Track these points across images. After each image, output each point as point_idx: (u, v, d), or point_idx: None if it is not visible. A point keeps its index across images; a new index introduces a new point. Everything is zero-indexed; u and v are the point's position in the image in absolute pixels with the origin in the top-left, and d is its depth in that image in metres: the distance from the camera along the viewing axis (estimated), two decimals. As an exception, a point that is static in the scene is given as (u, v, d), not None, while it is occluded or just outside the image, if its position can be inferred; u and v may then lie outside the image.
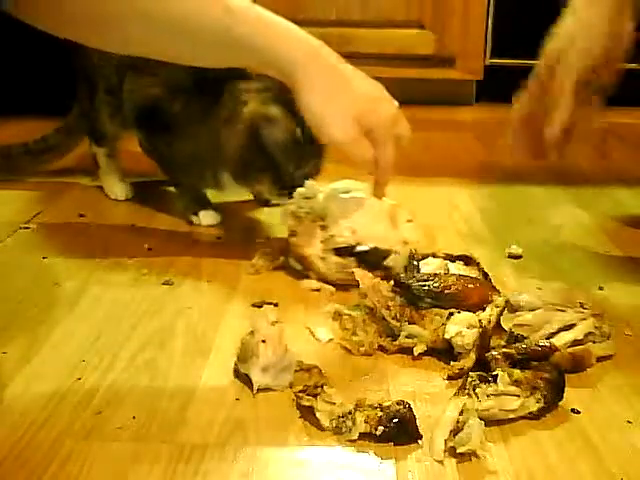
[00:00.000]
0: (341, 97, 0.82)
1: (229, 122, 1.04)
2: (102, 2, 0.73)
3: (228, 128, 1.05)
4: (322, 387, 0.68)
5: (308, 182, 0.99)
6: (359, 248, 0.92)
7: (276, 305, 0.88)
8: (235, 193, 1.14)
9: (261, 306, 0.86)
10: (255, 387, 0.70)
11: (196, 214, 1.16)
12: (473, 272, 0.86)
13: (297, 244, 0.95)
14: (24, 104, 1.65)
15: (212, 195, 1.19)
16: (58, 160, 1.34)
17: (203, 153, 1.09)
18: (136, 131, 1.18)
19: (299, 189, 0.98)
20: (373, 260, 0.92)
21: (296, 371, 0.72)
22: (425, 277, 0.81)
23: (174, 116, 1.10)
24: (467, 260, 0.90)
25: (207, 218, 1.16)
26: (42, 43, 1.17)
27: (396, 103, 0.89)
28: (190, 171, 1.14)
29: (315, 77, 0.81)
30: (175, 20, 0.76)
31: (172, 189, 1.23)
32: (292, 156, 1.02)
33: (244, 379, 0.72)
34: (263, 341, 0.72)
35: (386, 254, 0.92)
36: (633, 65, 2.00)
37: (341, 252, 0.93)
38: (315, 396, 0.67)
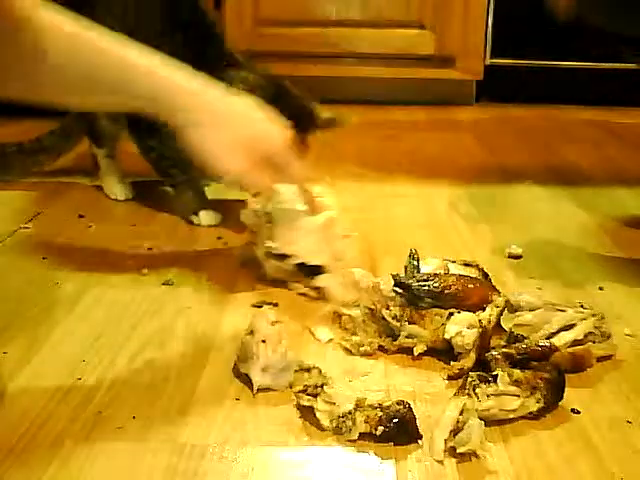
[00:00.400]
0: (227, 131, 0.81)
1: None
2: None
3: None
4: (322, 387, 0.68)
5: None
6: (291, 261, 0.92)
7: (276, 305, 0.88)
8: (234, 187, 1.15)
9: (261, 306, 0.86)
10: (255, 387, 0.70)
11: (196, 214, 1.16)
12: (473, 272, 0.86)
13: (252, 242, 0.97)
14: (23, 104, 1.64)
15: (212, 194, 1.19)
16: (52, 162, 1.34)
17: None
18: (130, 135, 1.18)
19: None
20: (306, 272, 0.92)
21: (296, 371, 0.72)
22: (425, 277, 0.81)
23: None
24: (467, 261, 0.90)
25: (207, 218, 1.16)
26: None
27: (286, 130, 0.86)
28: (188, 166, 1.15)
29: (199, 116, 0.79)
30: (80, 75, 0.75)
31: (170, 190, 1.23)
32: None
33: (244, 379, 0.72)
34: (263, 341, 0.72)
35: (316, 270, 0.91)
36: (633, 65, 2.00)
37: (279, 257, 0.93)
38: (315, 396, 0.67)
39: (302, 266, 0.91)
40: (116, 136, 1.26)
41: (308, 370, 0.72)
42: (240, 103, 0.84)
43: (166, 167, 1.18)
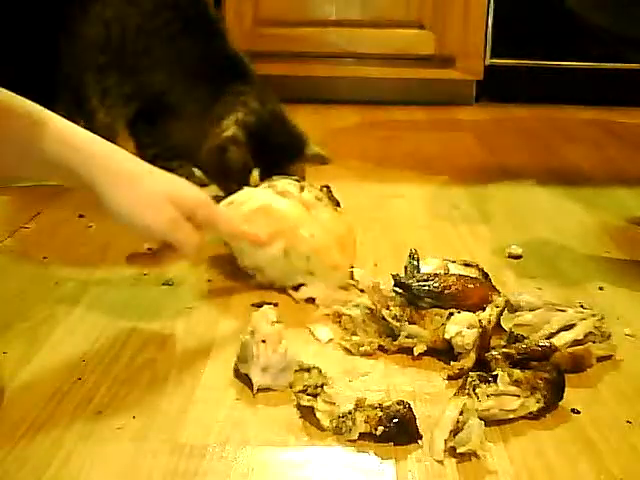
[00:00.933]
0: (144, 187, 0.79)
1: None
2: None
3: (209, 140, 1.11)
4: (322, 387, 0.68)
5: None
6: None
7: (276, 305, 0.88)
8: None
9: (261, 306, 0.86)
10: (255, 387, 0.70)
11: None
12: (473, 272, 0.86)
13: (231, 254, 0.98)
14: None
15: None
16: None
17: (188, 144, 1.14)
18: (129, 131, 1.20)
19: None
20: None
21: (296, 371, 0.72)
22: (425, 277, 0.81)
23: (173, 106, 1.12)
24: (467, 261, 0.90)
25: None
26: (39, 44, 1.18)
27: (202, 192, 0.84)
28: (188, 159, 1.19)
29: (114, 177, 0.77)
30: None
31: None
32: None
33: (244, 379, 0.72)
34: (263, 341, 0.72)
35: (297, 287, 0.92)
36: (633, 65, 2.00)
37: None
38: (315, 396, 0.67)
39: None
40: (113, 135, 1.26)
41: (308, 370, 0.71)
42: (149, 168, 0.82)
43: (161, 166, 1.19)
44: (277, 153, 1.06)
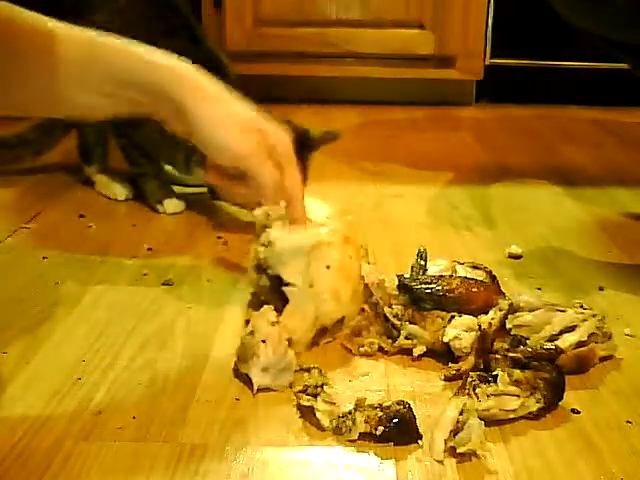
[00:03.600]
0: (238, 113, 0.76)
1: None
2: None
3: None
4: (322, 387, 0.68)
5: None
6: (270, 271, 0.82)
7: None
8: (197, 180, 1.21)
9: (261, 305, 0.85)
10: (255, 387, 0.70)
11: (160, 202, 1.21)
12: (480, 275, 0.85)
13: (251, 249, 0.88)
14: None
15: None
16: (34, 157, 1.34)
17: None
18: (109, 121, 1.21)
19: None
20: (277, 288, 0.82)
21: (296, 371, 0.72)
22: (429, 279, 0.80)
23: None
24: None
25: (171, 206, 1.21)
26: None
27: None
28: (159, 154, 1.20)
29: (202, 98, 0.75)
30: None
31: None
32: None
33: (244, 379, 0.72)
34: (263, 341, 0.72)
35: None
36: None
37: (261, 270, 0.84)
38: (315, 396, 0.67)
39: (275, 280, 0.82)
40: (104, 150, 1.30)
41: (308, 370, 0.72)
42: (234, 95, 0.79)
43: (136, 156, 1.22)
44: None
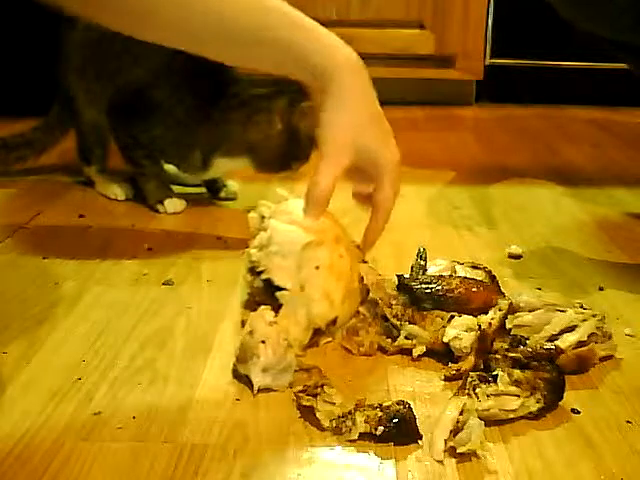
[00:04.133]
0: (365, 115, 0.78)
1: (254, 113, 1.11)
2: None
3: (253, 119, 1.11)
4: (322, 387, 0.68)
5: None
6: (262, 276, 0.81)
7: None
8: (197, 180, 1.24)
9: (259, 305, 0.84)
10: (255, 388, 0.70)
11: (161, 202, 1.20)
12: (480, 275, 0.85)
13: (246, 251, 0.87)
14: (20, 105, 1.65)
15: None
16: (36, 157, 1.35)
17: (194, 137, 1.14)
18: (109, 120, 1.21)
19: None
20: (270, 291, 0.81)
21: (296, 371, 0.72)
22: (429, 279, 0.80)
23: (158, 102, 1.13)
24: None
25: (172, 206, 1.21)
26: (34, 44, 1.20)
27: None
28: (160, 158, 1.20)
29: (346, 89, 0.77)
30: (211, 12, 0.73)
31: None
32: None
33: (244, 380, 0.72)
34: (262, 342, 0.72)
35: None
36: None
37: (255, 272, 0.83)
38: (315, 396, 0.67)
39: (268, 283, 0.81)
40: (104, 150, 1.30)
41: (308, 370, 0.72)
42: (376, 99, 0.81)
43: (139, 156, 1.21)
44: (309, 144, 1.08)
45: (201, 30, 0.75)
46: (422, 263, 0.87)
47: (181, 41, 0.78)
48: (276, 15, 0.75)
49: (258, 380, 0.70)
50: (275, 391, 0.71)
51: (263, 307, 0.77)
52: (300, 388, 0.69)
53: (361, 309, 0.81)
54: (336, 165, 0.76)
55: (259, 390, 0.70)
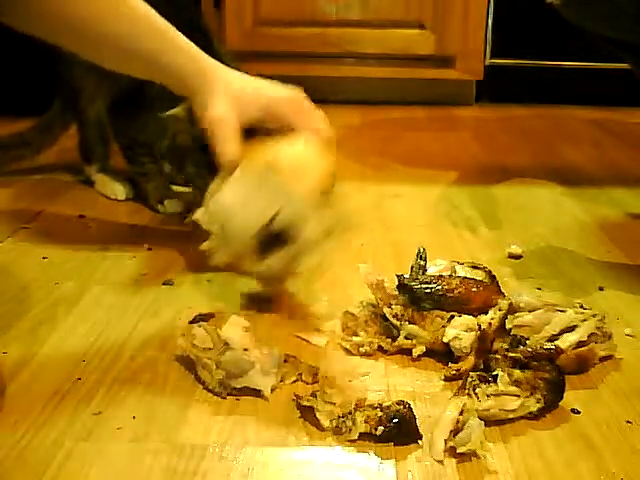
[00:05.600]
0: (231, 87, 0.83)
1: None
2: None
3: None
4: (322, 387, 0.68)
5: None
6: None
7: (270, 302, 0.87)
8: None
9: (204, 320, 0.82)
10: (268, 391, 0.70)
11: (161, 202, 1.21)
12: (480, 275, 0.85)
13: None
14: (19, 104, 1.65)
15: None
16: (33, 157, 1.35)
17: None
18: (109, 119, 1.22)
19: None
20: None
21: (296, 380, 0.72)
22: (428, 279, 0.80)
23: (152, 99, 1.14)
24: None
25: (172, 206, 1.21)
26: (34, 45, 1.21)
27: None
28: (159, 157, 1.17)
29: (216, 88, 0.82)
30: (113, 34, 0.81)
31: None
32: None
33: (244, 391, 0.71)
34: (245, 349, 0.71)
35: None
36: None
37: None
38: (315, 396, 0.67)
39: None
40: (106, 149, 1.30)
41: (290, 361, 0.72)
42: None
43: (139, 155, 1.22)
44: None
45: (101, 48, 0.83)
46: (422, 263, 0.87)
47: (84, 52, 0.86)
48: (168, 39, 0.83)
49: (266, 385, 0.70)
50: (275, 390, 0.71)
51: (234, 316, 0.77)
52: (294, 378, 0.70)
53: (355, 311, 0.82)
54: (228, 132, 0.81)
55: (258, 391, 0.70)
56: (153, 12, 0.82)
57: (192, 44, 0.84)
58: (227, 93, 0.82)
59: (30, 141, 1.33)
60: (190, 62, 0.83)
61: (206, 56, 0.85)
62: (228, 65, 1.13)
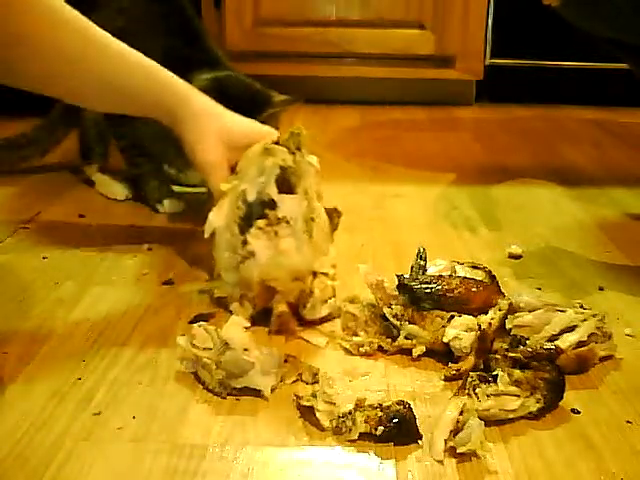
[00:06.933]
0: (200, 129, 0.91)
1: None
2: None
3: None
4: (322, 387, 0.68)
5: None
6: None
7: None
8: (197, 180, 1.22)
9: (204, 320, 0.82)
10: (268, 391, 0.70)
11: (160, 202, 1.21)
12: (480, 275, 0.85)
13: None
14: (19, 104, 1.65)
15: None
16: (39, 157, 1.35)
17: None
18: (105, 122, 1.22)
19: None
20: None
21: (295, 380, 0.72)
22: (428, 279, 0.80)
23: None
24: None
25: (172, 206, 1.21)
26: None
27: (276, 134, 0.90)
28: (155, 157, 1.20)
29: (190, 117, 0.90)
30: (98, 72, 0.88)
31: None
32: None
33: (244, 391, 0.71)
34: (245, 349, 0.71)
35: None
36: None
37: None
38: (315, 396, 0.67)
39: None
40: (105, 149, 1.30)
41: (290, 361, 0.72)
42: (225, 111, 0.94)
43: (133, 155, 1.22)
44: (242, 105, 1.06)
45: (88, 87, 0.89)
46: (422, 263, 0.87)
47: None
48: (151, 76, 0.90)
49: (266, 384, 0.70)
50: (275, 390, 0.71)
51: (233, 317, 0.78)
52: (294, 379, 0.69)
53: (355, 311, 0.82)
54: (219, 174, 0.90)
55: (257, 391, 0.70)
56: (134, 51, 0.89)
57: (175, 78, 0.91)
58: (219, 136, 0.90)
59: (36, 141, 1.34)
60: (175, 99, 0.90)
61: (194, 91, 0.92)
62: (224, 65, 1.13)
